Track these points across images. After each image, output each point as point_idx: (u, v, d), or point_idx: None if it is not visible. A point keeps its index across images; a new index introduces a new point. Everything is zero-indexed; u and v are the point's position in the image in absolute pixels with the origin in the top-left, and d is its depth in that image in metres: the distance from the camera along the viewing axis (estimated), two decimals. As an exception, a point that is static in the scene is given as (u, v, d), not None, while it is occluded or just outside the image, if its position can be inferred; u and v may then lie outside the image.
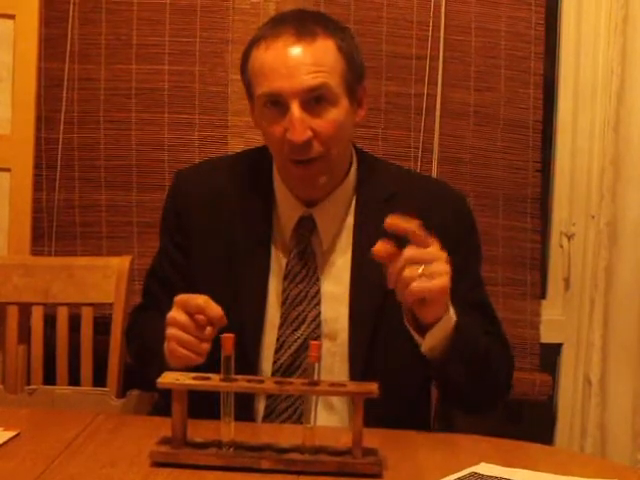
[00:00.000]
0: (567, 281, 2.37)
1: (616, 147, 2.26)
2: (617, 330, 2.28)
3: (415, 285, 1.26)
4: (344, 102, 1.45)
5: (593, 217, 2.32)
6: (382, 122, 2.24)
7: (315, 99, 1.41)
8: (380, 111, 2.23)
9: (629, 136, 2.26)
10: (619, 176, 2.27)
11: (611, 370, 2.29)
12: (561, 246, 2.36)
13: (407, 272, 1.26)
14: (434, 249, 1.28)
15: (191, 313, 1.32)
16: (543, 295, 2.37)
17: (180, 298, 1.34)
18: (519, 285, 2.29)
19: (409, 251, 1.26)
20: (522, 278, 2.29)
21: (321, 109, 1.42)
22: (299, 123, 1.40)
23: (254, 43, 1.46)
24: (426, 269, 1.26)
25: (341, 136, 1.47)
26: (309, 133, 1.41)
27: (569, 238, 2.35)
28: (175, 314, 1.33)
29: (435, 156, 2.26)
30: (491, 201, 2.27)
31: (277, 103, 1.42)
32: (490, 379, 1.46)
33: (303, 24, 1.43)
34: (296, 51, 1.41)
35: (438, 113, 2.25)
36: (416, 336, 1.36)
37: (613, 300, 2.28)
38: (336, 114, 1.44)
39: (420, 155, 2.25)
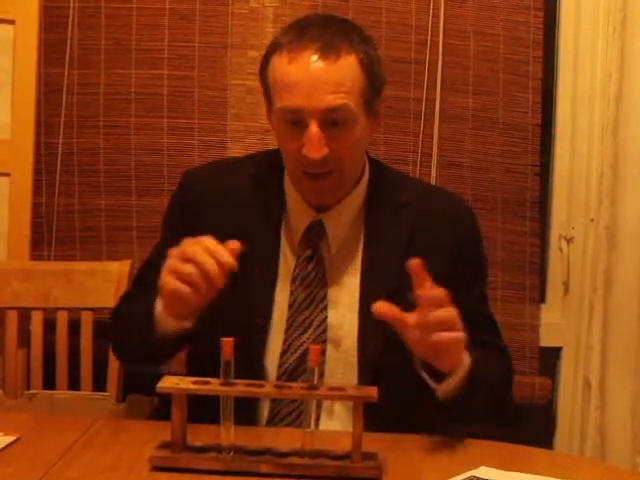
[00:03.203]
0: (566, 285, 2.37)
1: (615, 151, 2.26)
2: (616, 333, 2.28)
3: (436, 336, 1.27)
4: (362, 120, 1.45)
5: (592, 220, 2.32)
6: (381, 127, 2.24)
7: (334, 119, 1.40)
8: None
9: (628, 140, 2.26)
10: (618, 180, 2.27)
11: (610, 373, 2.29)
12: (560, 250, 2.36)
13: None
14: (450, 306, 1.29)
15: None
16: (542, 299, 2.37)
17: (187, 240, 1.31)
18: (518, 289, 2.29)
19: (439, 313, 1.27)
20: (521, 282, 2.29)
21: (339, 130, 1.41)
22: (317, 141, 1.39)
23: (276, 48, 1.44)
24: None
25: (356, 152, 1.48)
26: (326, 150, 1.40)
27: (568, 242, 2.35)
28: (179, 247, 1.31)
29: (434, 160, 2.26)
30: (490, 205, 2.28)
31: (296, 118, 1.41)
32: (497, 406, 1.49)
33: (328, 38, 1.41)
34: (319, 69, 1.39)
35: (437, 117, 2.26)
36: (430, 382, 1.36)
37: (612, 303, 2.29)
38: (354, 134, 1.43)
39: (419, 159, 2.26)
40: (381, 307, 1.27)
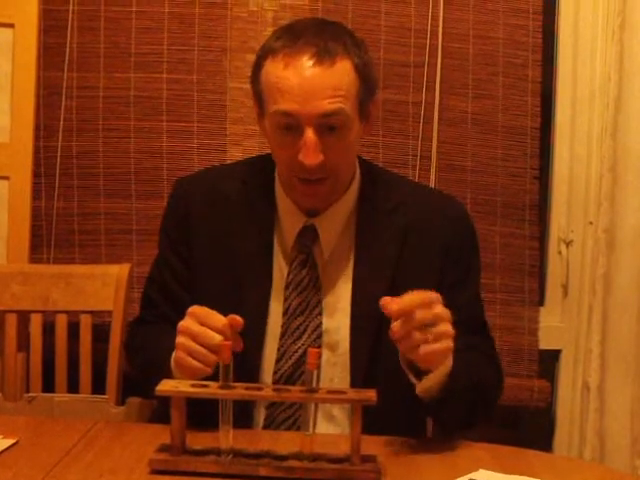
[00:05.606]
0: (565, 288, 2.37)
1: (614, 154, 2.27)
2: (615, 336, 2.29)
3: (424, 348, 1.26)
4: (356, 124, 1.44)
5: (591, 224, 2.33)
6: (380, 130, 2.24)
7: (330, 123, 1.40)
8: (378, 119, 2.23)
9: (627, 143, 2.27)
10: (617, 183, 2.28)
11: (609, 376, 2.29)
12: (559, 253, 2.36)
13: (417, 335, 1.26)
14: (440, 309, 1.28)
15: (203, 323, 1.32)
16: (541, 302, 2.37)
17: (194, 309, 1.34)
18: (517, 292, 2.29)
19: (419, 313, 1.26)
20: (520, 285, 2.29)
21: (335, 135, 1.41)
22: (313, 147, 1.38)
23: (269, 53, 1.42)
24: (433, 330, 1.27)
25: (350, 157, 1.48)
26: (321, 157, 1.39)
27: (567, 245, 2.35)
28: (187, 323, 1.33)
29: (433, 163, 2.27)
30: (489, 208, 2.28)
31: (290, 124, 1.40)
32: (482, 408, 1.48)
33: (323, 42, 1.40)
34: (315, 74, 1.38)
35: (436, 120, 2.26)
36: (411, 377, 1.36)
37: (611, 306, 2.29)
38: (348, 139, 1.43)
39: (418, 162, 2.26)
40: (384, 301, 1.27)
